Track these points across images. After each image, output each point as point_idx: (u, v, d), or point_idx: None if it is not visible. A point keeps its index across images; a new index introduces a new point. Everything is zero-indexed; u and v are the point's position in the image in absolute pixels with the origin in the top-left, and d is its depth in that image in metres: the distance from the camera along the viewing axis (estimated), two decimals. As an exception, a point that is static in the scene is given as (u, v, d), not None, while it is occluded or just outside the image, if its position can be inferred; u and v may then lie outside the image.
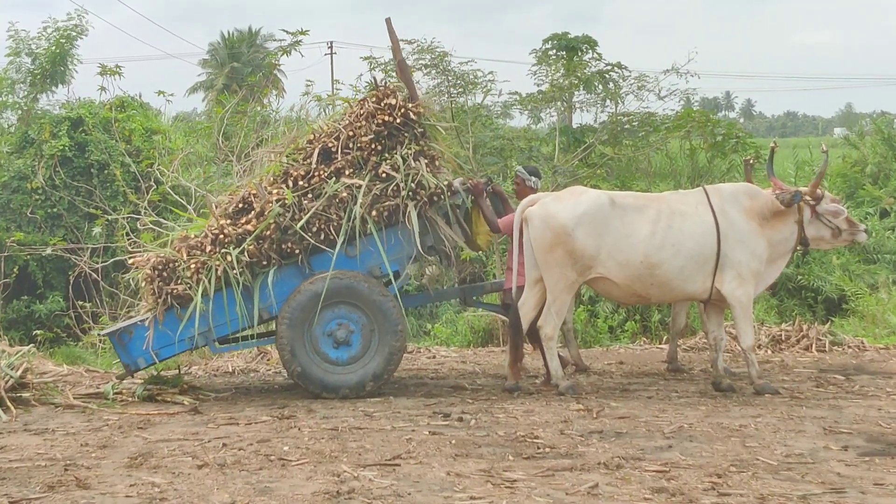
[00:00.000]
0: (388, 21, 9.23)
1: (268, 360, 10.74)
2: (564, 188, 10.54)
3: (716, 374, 8.66)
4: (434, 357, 11.23)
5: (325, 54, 50.45)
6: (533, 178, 9.11)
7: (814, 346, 11.04)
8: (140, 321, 8.56)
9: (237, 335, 9.00)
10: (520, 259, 8.61)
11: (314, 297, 8.38)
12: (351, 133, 8.61)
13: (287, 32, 17.08)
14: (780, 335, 11.40)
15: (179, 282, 8.36)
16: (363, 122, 8.63)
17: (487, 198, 8.96)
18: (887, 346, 11.41)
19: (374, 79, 9.53)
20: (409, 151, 8.55)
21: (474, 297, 9.61)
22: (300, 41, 17.42)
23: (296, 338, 8.40)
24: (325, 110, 17.33)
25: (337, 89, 17.53)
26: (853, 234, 8.70)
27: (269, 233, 8.34)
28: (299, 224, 8.31)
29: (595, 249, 8.34)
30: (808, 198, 8.47)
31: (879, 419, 7.31)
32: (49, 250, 11.74)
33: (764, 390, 8.36)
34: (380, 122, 8.57)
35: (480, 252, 11.73)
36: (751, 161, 9.89)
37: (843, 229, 8.63)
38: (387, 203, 8.42)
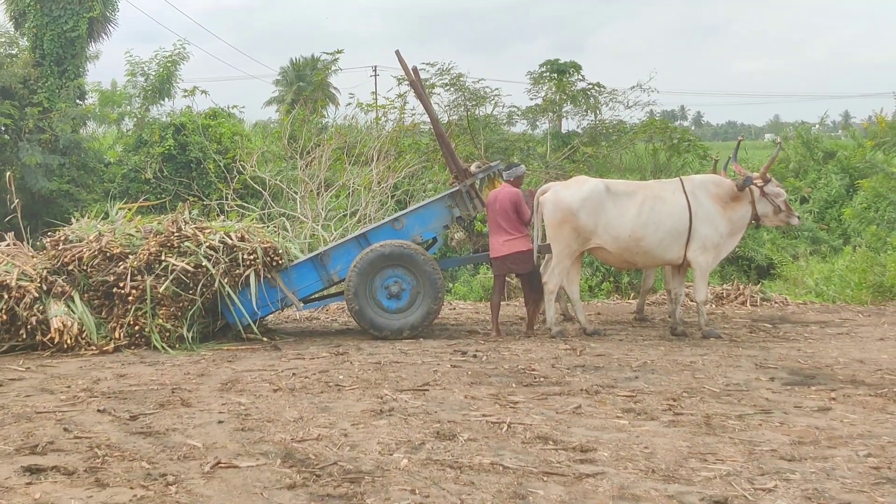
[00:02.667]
0: (397, 53, 9.17)
1: (326, 310, 10.76)
2: (553, 180, 10.53)
3: (673, 322, 8.63)
4: (454, 309, 11.23)
5: (370, 76, 50.80)
6: (504, 171, 8.95)
7: (748, 301, 11.01)
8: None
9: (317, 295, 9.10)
10: (491, 231, 8.70)
11: (381, 257, 8.47)
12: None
13: (326, 53, 17.65)
14: (722, 293, 11.36)
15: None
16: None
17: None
18: (805, 302, 11.40)
19: None
20: None
21: None
22: (338, 58, 18.35)
23: (360, 284, 8.47)
24: (366, 115, 17.57)
25: (375, 100, 17.66)
26: (789, 216, 8.58)
27: None
28: None
29: (594, 226, 8.33)
30: (758, 180, 8.42)
31: (798, 357, 7.28)
32: None
33: (709, 335, 8.34)
34: None
35: None
36: (713, 158, 9.87)
37: (782, 209, 8.55)
38: None
